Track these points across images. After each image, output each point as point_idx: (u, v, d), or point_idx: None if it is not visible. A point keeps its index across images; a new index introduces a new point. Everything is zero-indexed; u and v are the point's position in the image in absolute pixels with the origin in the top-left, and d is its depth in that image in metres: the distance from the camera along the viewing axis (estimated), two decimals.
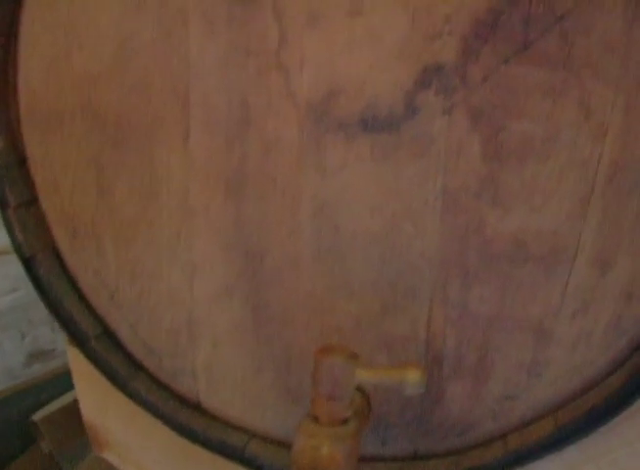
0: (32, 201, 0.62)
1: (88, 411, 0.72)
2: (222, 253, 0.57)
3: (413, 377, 0.46)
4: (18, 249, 0.61)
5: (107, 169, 0.58)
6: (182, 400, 0.62)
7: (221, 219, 0.56)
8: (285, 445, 0.62)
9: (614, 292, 0.50)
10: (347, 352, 0.47)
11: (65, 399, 1.17)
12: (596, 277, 0.50)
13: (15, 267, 0.65)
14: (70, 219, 0.61)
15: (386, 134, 0.51)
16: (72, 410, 1.09)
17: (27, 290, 0.78)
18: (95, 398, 0.69)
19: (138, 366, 0.62)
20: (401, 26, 0.49)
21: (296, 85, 0.52)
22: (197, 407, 0.62)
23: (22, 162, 0.61)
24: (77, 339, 0.61)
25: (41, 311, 0.79)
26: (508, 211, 0.50)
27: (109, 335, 0.62)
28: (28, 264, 0.61)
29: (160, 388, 0.62)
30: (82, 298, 0.63)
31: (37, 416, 1.14)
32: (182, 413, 0.61)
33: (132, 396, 0.61)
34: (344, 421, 0.48)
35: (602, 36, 0.45)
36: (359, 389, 0.50)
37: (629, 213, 0.48)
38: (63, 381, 1.17)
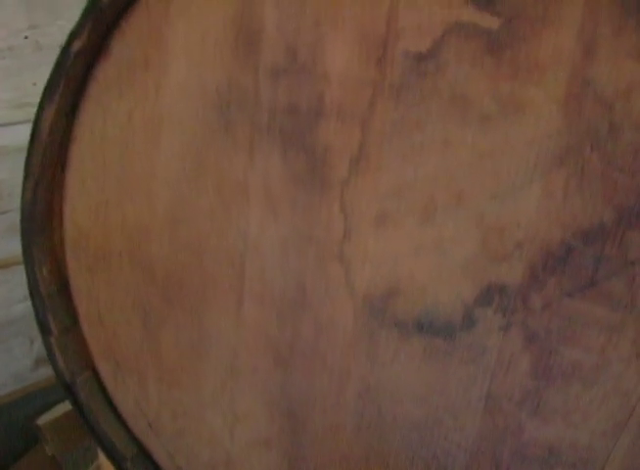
0: (74, 326, 0.62)
1: None
2: (265, 409, 0.58)
3: None
4: (59, 375, 0.62)
5: (154, 317, 0.58)
6: None
7: (267, 383, 0.57)
8: None
9: None
10: None
11: (69, 404, 1.21)
12: None
13: None
14: (113, 352, 0.61)
15: (440, 339, 0.52)
16: (76, 415, 1.13)
17: None
18: None
19: None
20: (471, 243, 0.48)
21: (355, 278, 0.52)
22: None
23: (64, 287, 0.61)
24: (114, 459, 0.64)
25: None
26: (546, 423, 0.52)
27: (145, 456, 0.65)
28: (69, 389, 0.62)
29: None
30: (120, 419, 0.64)
31: (42, 420, 1.18)
32: None
33: None
34: None
35: None
36: None
37: None
38: None
